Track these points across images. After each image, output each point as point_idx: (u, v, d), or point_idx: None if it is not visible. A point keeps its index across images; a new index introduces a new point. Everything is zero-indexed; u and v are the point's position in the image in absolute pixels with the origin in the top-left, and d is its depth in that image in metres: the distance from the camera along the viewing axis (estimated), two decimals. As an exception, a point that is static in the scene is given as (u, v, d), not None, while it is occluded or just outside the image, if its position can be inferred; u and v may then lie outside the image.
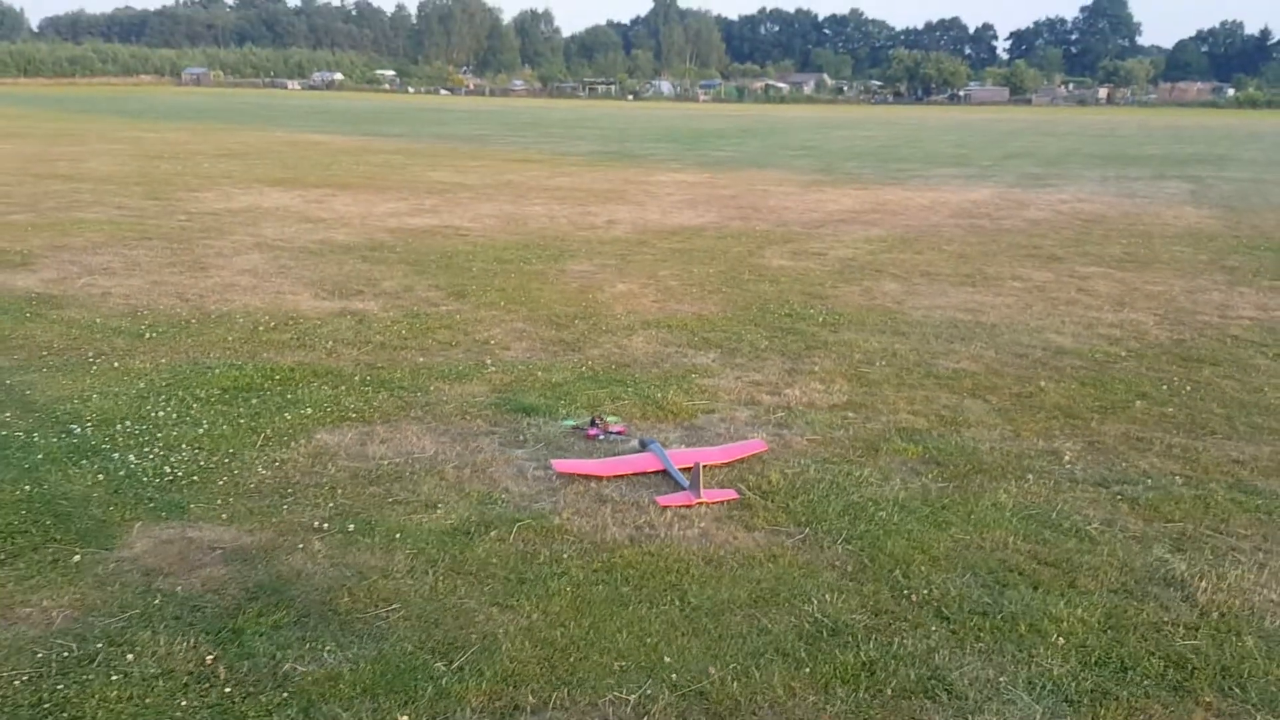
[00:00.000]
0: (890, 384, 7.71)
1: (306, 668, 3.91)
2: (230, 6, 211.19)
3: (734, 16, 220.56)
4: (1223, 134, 53.10)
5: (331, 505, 5.36)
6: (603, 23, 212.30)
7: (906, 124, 65.22)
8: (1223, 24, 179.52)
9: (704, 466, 5.67)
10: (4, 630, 4.13)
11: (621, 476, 5.76)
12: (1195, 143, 44.63)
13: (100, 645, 4.04)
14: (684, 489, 5.51)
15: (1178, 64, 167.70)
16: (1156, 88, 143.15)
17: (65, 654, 3.98)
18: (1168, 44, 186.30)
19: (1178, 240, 15.30)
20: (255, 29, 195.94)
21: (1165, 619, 4.35)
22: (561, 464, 5.89)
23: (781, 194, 21.49)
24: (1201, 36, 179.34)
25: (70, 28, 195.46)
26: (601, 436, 6.41)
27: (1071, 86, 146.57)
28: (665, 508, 5.35)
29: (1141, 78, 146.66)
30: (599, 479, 5.72)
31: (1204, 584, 4.63)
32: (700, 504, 5.38)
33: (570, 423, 6.65)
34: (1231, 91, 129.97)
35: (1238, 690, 3.85)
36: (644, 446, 6.10)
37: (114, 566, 4.67)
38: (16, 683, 3.79)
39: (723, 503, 5.43)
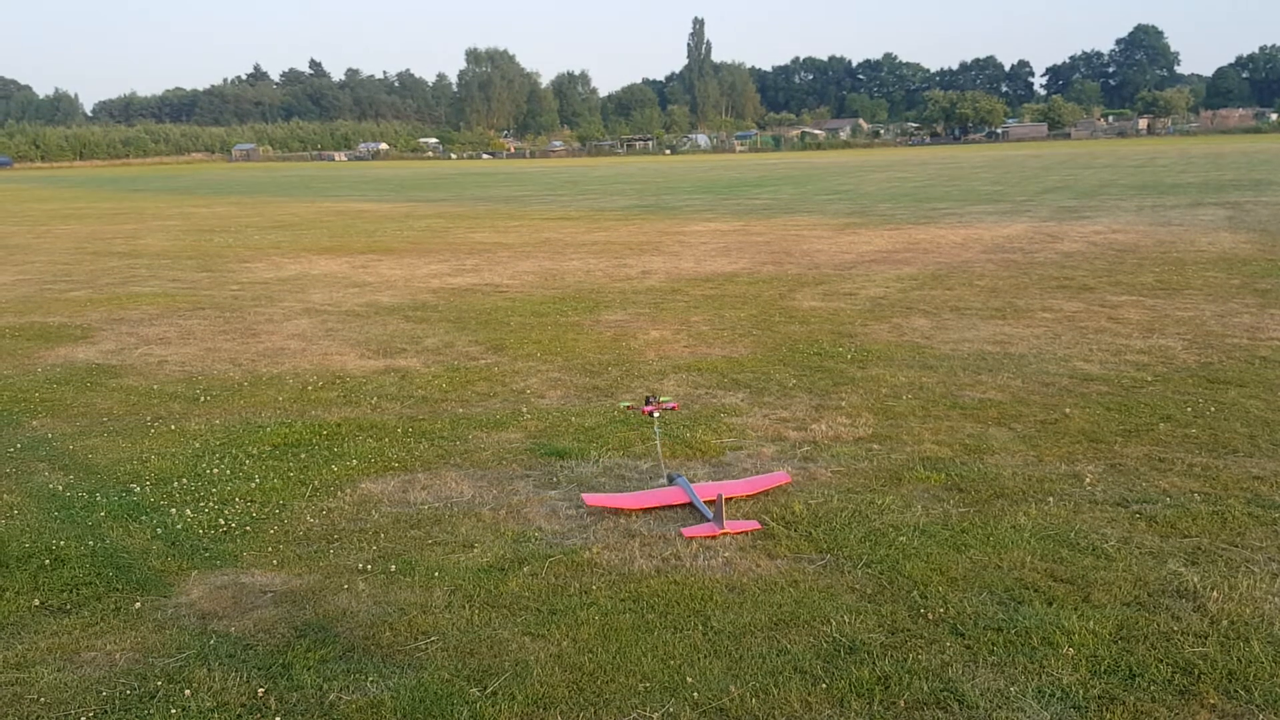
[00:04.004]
0: (916, 416, 7.87)
1: (351, 697, 4.17)
2: (277, 84, 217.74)
3: (768, 67, 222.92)
4: (1263, 159, 52.56)
5: (375, 548, 5.65)
6: (638, 81, 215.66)
7: (943, 164, 65.36)
8: (1262, 49, 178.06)
9: (729, 498, 5.90)
10: (72, 672, 4.44)
11: (648, 509, 5.99)
12: (1235, 169, 44.27)
13: (160, 683, 4.33)
14: (708, 520, 5.73)
15: (1218, 91, 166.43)
16: (1198, 116, 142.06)
17: (128, 692, 4.26)
18: (1207, 71, 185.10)
19: (1211, 266, 15.29)
20: (301, 104, 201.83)
21: (1175, 628, 4.46)
22: (591, 498, 6.17)
23: (815, 238, 21.75)
24: (1241, 63, 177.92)
25: (123, 110, 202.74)
26: (656, 414, 6.77)
27: (1111, 119, 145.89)
28: (690, 539, 5.57)
29: (1181, 106, 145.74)
30: (627, 512, 5.96)
31: (1215, 594, 4.74)
32: (724, 534, 5.59)
33: (625, 404, 7.26)
34: (1274, 116, 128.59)
35: (1242, 693, 3.96)
36: (671, 482, 6.34)
37: (172, 612, 4.97)
38: (83, 718, 4.08)
39: (746, 533, 5.63)
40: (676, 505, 6.05)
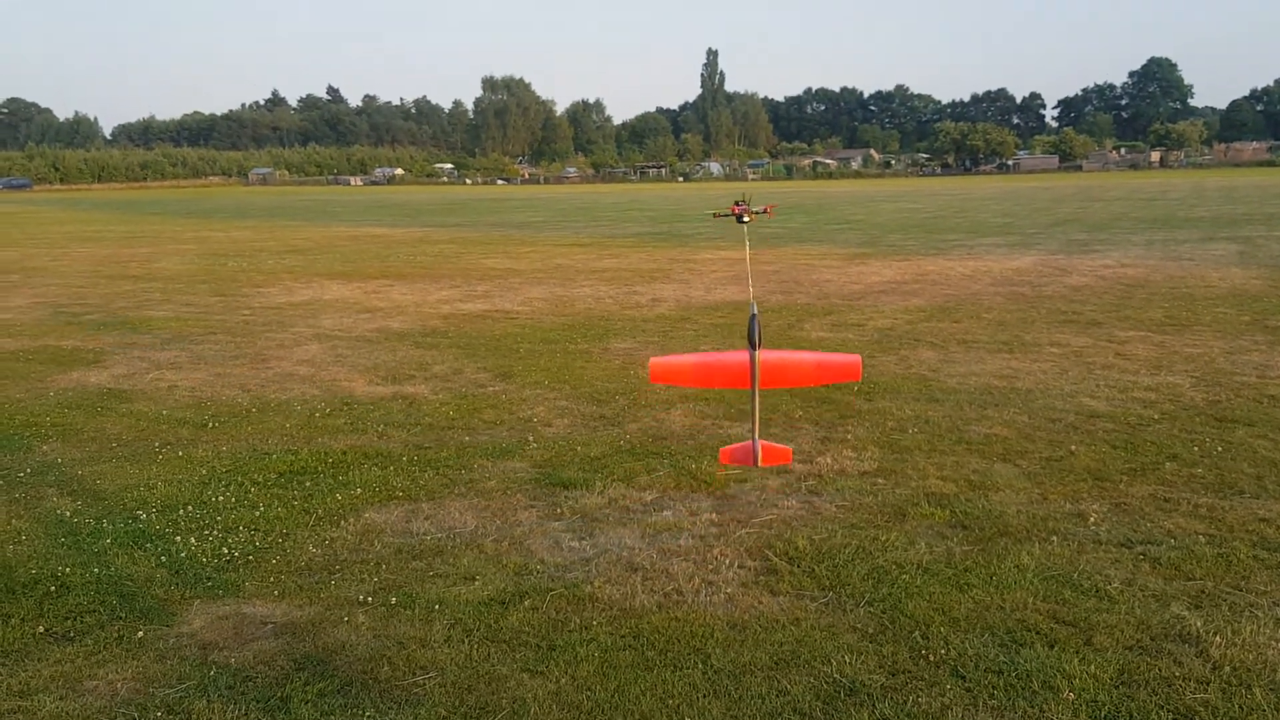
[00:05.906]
0: (921, 450, 7.86)
1: (348, 731, 4.17)
2: (294, 109, 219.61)
3: (780, 98, 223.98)
4: (1276, 193, 52.47)
5: (376, 580, 5.66)
6: (652, 109, 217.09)
7: (953, 195, 65.42)
8: (1277, 82, 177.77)
9: (794, 385, 5.44)
10: (74, 700, 4.46)
11: (710, 386, 7.01)
12: (1247, 202, 44.22)
13: (160, 714, 4.34)
14: (751, 440, 5.26)
15: (1232, 124, 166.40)
16: (1211, 149, 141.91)
17: (128, 722, 4.28)
18: (1221, 104, 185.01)
19: (1221, 301, 15.25)
20: (318, 129, 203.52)
21: (1177, 674, 4.44)
22: (658, 362, 5.31)
23: (824, 267, 21.80)
24: (1255, 95, 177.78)
25: (141, 134, 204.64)
26: (746, 220, 6.81)
27: (1123, 151, 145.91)
28: (725, 465, 6.03)
29: (1195, 139, 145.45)
30: (689, 385, 6.89)
31: (1218, 639, 4.71)
32: (758, 464, 5.16)
33: (711, 212, 8.19)
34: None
35: (1244, 740, 3.94)
36: (753, 319, 5.17)
37: (173, 642, 4.99)
38: (83, 748, 4.10)
39: (778, 465, 5.95)
40: (738, 389, 5.57)
